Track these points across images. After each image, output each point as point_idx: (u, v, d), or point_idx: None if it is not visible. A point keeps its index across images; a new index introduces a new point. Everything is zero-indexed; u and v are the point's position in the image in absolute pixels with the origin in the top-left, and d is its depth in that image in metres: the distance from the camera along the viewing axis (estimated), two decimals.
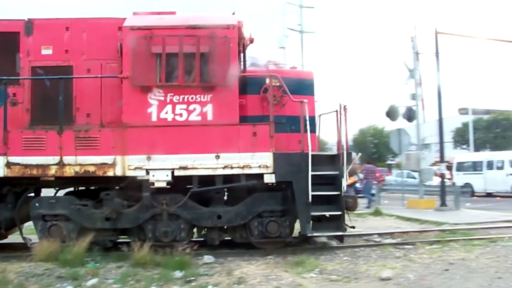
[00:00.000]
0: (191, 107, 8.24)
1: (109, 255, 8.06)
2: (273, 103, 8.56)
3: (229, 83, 8.22)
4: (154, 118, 8.22)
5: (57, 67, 8.71)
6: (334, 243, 9.36)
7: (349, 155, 8.83)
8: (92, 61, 8.73)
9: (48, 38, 8.77)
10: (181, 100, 8.23)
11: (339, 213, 8.43)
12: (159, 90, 8.22)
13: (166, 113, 8.22)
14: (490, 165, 25.88)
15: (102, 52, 8.78)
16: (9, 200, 8.63)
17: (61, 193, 9.09)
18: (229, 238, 9.02)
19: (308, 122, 8.41)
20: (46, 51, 8.77)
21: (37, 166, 8.17)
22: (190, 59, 8.23)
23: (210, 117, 8.24)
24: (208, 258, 7.86)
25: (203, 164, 8.18)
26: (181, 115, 8.23)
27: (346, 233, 8.86)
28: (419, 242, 9.14)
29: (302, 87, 8.92)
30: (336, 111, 9.14)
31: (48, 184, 8.74)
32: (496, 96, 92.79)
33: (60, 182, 8.62)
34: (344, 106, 8.95)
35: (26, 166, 8.17)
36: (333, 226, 8.54)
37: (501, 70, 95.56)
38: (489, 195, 25.57)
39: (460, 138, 40.05)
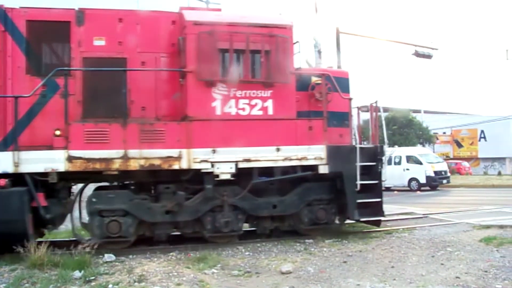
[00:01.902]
0: (253, 102, 8.62)
1: (2, 258, 7.65)
2: (321, 99, 9.24)
3: (288, 80, 8.75)
4: (218, 112, 8.47)
5: (110, 59, 8.58)
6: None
7: (382, 147, 9.79)
8: (147, 54, 8.73)
9: (100, 29, 8.60)
10: (243, 95, 8.57)
11: (379, 200, 9.37)
12: (222, 84, 8.49)
13: (230, 107, 8.52)
14: (388, 161, 27.29)
15: (156, 45, 8.82)
16: (62, 195, 8.34)
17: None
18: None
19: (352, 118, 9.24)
20: (99, 42, 8.58)
21: (100, 160, 8.02)
22: (254, 56, 8.62)
23: (270, 111, 8.68)
24: (108, 257, 7.66)
25: (265, 156, 8.63)
26: (244, 109, 8.58)
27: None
28: (319, 236, 9.16)
29: (341, 85, 9.67)
30: (371, 106, 10.06)
31: (102, 179, 8.61)
32: (395, 94, 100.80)
33: (112, 176, 8.49)
34: (376, 102, 9.89)
35: (88, 160, 7.98)
36: (370, 212, 9.44)
37: (400, 70, 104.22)
38: (387, 189, 26.37)
39: (361, 135, 42.23)
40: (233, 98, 8.54)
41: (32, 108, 8.27)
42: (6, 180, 7.76)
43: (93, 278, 6.48)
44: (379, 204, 9.38)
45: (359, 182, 9.04)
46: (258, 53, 8.62)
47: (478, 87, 70.24)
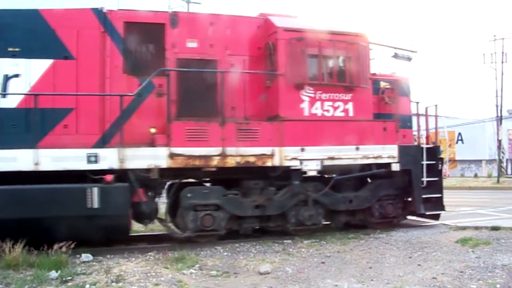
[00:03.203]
0: (335, 104, 9.25)
1: None
2: (389, 103, 9.98)
3: (367, 84, 9.42)
4: (306, 113, 9.06)
5: (202, 60, 8.99)
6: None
7: (439, 148, 10.62)
8: (236, 57, 9.21)
9: (193, 31, 9.00)
10: (328, 98, 9.20)
11: (440, 195, 10.18)
12: (309, 87, 9.06)
13: (316, 108, 9.12)
14: None
15: (243, 48, 9.32)
16: (157, 191, 8.67)
17: None
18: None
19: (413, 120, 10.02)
20: (191, 44, 8.99)
21: (200, 157, 8.42)
22: (338, 61, 9.25)
23: (351, 113, 9.34)
24: (86, 257, 7.55)
25: (347, 154, 9.27)
26: (328, 111, 9.20)
27: None
28: (298, 237, 9.22)
29: (404, 89, 10.46)
30: (426, 109, 10.89)
31: (191, 175, 8.99)
32: None
33: (202, 173, 8.87)
34: (436, 106, 10.75)
35: (189, 157, 8.37)
36: (430, 206, 10.23)
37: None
38: None
39: None
40: (318, 100, 9.14)
41: (129, 106, 8.55)
42: (112, 176, 8.03)
43: (70, 278, 6.39)
44: (440, 199, 10.19)
45: (425, 179, 9.83)
46: (342, 59, 9.25)
47: (455, 90, 73.54)
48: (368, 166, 9.62)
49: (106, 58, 8.59)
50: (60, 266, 6.72)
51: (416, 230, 9.99)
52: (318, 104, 9.12)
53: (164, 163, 8.28)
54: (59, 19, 8.48)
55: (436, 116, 10.68)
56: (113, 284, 6.16)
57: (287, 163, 8.89)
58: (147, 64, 8.77)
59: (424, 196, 9.98)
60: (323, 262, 7.37)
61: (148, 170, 8.32)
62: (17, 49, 8.28)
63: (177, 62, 8.87)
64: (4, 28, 8.26)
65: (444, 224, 10.56)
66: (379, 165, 9.68)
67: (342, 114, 9.28)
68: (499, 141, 34.55)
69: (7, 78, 8.25)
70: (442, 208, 10.23)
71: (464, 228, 10.05)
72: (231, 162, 8.58)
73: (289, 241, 8.98)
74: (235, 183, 9.12)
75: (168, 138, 8.33)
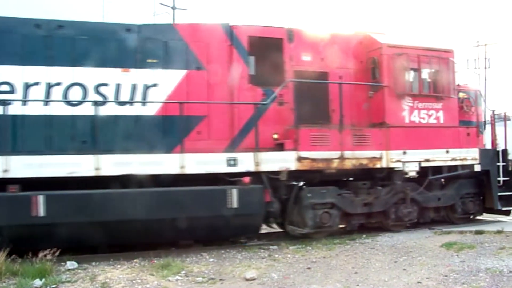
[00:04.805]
0: (429, 112, 10.33)
1: None
2: (467, 111, 11.19)
3: (454, 94, 10.58)
4: (406, 120, 10.09)
5: (315, 73, 9.91)
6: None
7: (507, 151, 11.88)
8: (342, 69, 10.18)
9: (306, 46, 9.90)
10: (423, 107, 10.27)
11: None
12: (409, 97, 10.12)
13: (414, 116, 10.17)
14: None
15: (349, 62, 10.29)
16: (282, 192, 9.45)
17: None
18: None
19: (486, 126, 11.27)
20: (306, 58, 9.89)
21: (323, 160, 9.29)
22: (432, 74, 10.36)
23: (442, 120, 10.44)
24: (71, 264, 7.43)
25: (439, 157, 10.35)
26: (423, 118, 10.27)
27: None
28: (283, 243, 9.23)
29: (477, 99, 11.70)
30: (492, 114, 12.14)
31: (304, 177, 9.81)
32: None
33: (313, 174, 9.71)
34: (505, 113, 12.04)
35: (313, 160, 9.22)
36: (504, 202, 11.34)
37: None
38: None
39: None
40: (416, 109, 10.20)
41: (256, 114, 9.28)
42: (250, 178, 8.77)
43: (54, 286, 6.34)
44: (511, 196, 11.40)
45: (501, 178, 11.05)
46: (435, 72, 10.37)
47: None
48: (454, 167, 10.73)
49: (233, 69, 9.36)
50: (44, 274, 6.64)
51: (401, 235, 10.00)
52: (415, 112, 10.17)
53: (293, 165, 9.09)
54: (192, 33, 9.22)
55: (505, 121, 11.96)
56: None
57: (392, 165, 9.88)
58: (269, 75, 9.57)
59: (500, 193, 11.16)
60: (309, 268, 7.37)
61: (277, 173, 9.11)
62: (154, 61, 8.96)
63: (294, 73, 9.73)
64: (143, 42, 8.92)
65: (429, 229, 10.61)
66: (463, 167, 10.81)
67: (435, 121, 10.37)
68: (484, 146, 36.50)
69: (146, 88, 8.91)
70: None
71: (448, 232, 10.09)
72: (348, 164, 9.48)
73: (275, 247, 9.04)
74: (338, 184, 9.96)
75: (295, 143, 9.15)
